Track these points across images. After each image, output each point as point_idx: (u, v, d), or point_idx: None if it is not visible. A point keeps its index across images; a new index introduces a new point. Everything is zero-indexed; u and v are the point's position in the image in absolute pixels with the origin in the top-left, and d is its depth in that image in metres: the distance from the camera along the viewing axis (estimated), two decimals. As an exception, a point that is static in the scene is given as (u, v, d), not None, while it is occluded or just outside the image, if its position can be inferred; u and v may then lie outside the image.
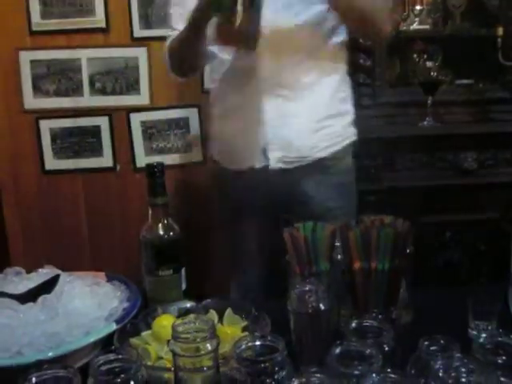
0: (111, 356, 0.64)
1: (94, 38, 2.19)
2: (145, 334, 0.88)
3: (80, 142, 2.25)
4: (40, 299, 0.92)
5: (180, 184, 2.27)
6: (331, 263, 0.86)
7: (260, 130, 1.35)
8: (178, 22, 1.38)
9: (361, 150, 1.85)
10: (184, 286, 1.04)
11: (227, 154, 1.45)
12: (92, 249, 2.32)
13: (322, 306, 0.79)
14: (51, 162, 2.26)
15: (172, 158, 2.29)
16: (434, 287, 1.44)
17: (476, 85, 2.15)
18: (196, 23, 1.24)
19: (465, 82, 2.14)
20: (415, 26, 2.14)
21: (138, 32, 2.18)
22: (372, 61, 1.93)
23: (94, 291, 0.99)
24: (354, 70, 1.94)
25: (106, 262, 2.24)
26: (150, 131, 2.28)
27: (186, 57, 1.40)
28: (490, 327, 0.97)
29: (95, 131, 2.25)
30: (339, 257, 0.86)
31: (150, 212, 1.02)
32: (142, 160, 2.27)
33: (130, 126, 2.25)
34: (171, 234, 1.02)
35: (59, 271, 1.04)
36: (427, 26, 2.15)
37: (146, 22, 2.18)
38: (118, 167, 2.29)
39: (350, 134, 1.44)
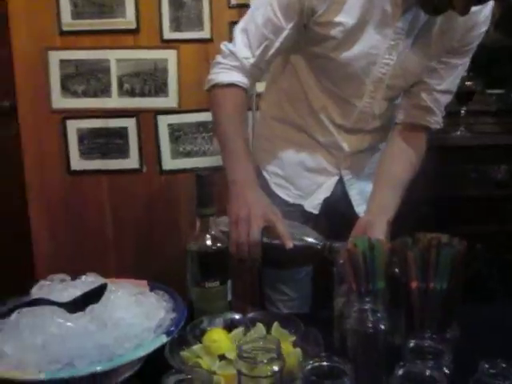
0: (181, 376, 0.62)
1: (123, 39, 2.18)
2: (196, 347, 0.87)
3: (107, 143, 2.24)
4: (88, 309, 0.92)
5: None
6: (387, 282, 0.85)
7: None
8: (242, 49, 1.20)
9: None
10: (229, 297, 1.03)
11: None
12: (118, 253, 2.31)
13: (382, 326, 0.78)
14: (77, 163, 2.25)
15: (199, 162, 2.28)
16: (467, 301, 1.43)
17: (506, 95, 2.13)
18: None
19: (496, 91, 2.12)
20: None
21: (168, 34, 2.17)
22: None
23: (139, 301, 0.98)
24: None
25: (131, 268, 2.23)
26: (177, 134, 2.27)
27: None
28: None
29: (122, 132, 2.24)
30: (396, 275, 0.85)
31: (198, 223, 1.01)
32: (169, 163, 2.27)
33: (157, 128, 2.24)
34: (219, 245, 1.00)
35: (103, 279, 1.03)
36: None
37: (177, 25, 2.17)
38: (145, 169, 2.28)
39: None
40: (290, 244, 1.01)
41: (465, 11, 1.00)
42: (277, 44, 1.19)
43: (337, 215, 1.39)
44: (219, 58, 1.24)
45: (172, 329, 0.90)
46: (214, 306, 1.00)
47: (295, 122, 1.36)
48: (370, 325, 0.77)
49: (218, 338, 0.87)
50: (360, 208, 1.35)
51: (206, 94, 2.24)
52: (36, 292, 0.98)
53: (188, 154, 2.29)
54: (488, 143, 1.89)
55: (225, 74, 1.22)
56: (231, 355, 0.85)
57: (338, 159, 1.38)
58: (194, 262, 1.00)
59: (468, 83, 1.86)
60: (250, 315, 0.98)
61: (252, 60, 1.20)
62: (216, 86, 1.22)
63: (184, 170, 2.28)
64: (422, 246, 0.84)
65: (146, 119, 2.24)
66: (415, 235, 0.90)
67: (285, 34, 1.18)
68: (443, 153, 1.88)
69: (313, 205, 1.40)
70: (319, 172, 1.39)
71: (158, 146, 2.26)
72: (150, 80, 2.21)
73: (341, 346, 0.86)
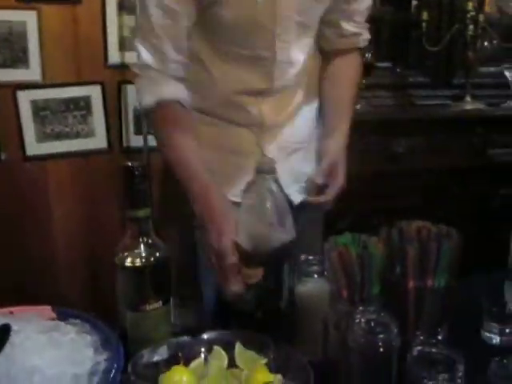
0: None
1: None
2: (153, 397, 0.66)
3: (-49, 125, 1.82)
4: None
5: (83, 176, 1.95)
6: (383, 285, 0.71)
7: None
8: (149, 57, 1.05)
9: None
10: (173, 319, 0.82)
11: None
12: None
13: (394, 343, 0.64)
14: None
15: (70, 144, 1.95)
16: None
17: (393, 68, 2.14)
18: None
19: (384, 65, 2.11)
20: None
21: (25, -8, 1.80)
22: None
23: (54, 340, 0.73)
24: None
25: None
26: (43, 113, 1.91)
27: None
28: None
29: (-29, 112, 1.83)
30: (392, 276, 0.72)
31: (129, 229, 0.78)
32: (34, 147, 1.91)
33: (17, 107, 1.86)
34: (157, 254, 0.78)
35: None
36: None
37: (35, -20, 1.80)
38: (4, 156, 1.88)
39: None
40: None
41: None
42: (182, 28, 1.04)
43: None
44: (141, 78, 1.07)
45: (112, 376, 0.67)
46: (157, 333, 0.78)
47: (205, 108, 1.19)
48: (381, 343, 0.63)
49: (184, 379, 0.66)
50: (290, 189, 1.21)
51: (75, 65, 1.96)
52: None
53: (57, 137, 1.94)
54: (388, 117, 1.88)
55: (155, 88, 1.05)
56: (201, 400, 0.66)
57: (259, 135, 1.21)
58: (127, 281, 0.77)
59: (367, 55, 1.81)
60: (204, 337, 0.78)
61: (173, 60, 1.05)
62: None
63: (54, 156, 1.93)
64: (421, 239, 0.72)
65: (3, 96, 1.85)
66: (397, 225, 0.77)
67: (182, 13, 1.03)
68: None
69: (235, 192, 1.21)
70: (238, 153, 1.21)
71: (19, 128, 1.88)
72: (5, 48, 1.81)
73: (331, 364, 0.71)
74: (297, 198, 1.19)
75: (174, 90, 1.06)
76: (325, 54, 1.26)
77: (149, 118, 1.13)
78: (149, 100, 1.04)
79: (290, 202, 1.02)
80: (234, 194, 1.21)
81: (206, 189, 0.98)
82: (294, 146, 1.25)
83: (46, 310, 0.83)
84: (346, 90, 1.25)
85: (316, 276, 0.85)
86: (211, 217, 0.92)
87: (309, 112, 1.26)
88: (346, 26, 1.20)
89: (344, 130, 1.20)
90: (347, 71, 1.25)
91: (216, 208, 0.93)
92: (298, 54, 1.17)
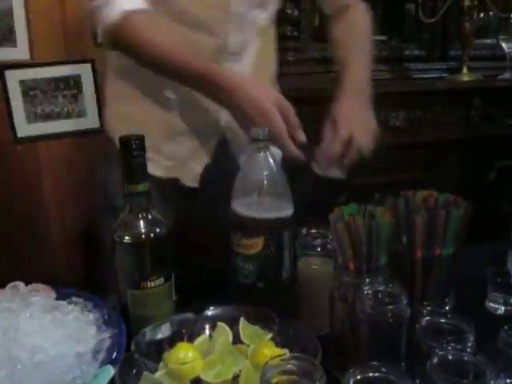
0: None
1: None
2: (159, 374, 0.64)
3: None
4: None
5: (76, 157, 1.91)
6: (390, 255, 0.70)
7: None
8: None
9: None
10: (174, 296, 0.80)
11: None
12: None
13: (404, 313, 0.63)
14: None
15: (62, 125, 1.91)
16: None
17: (389, 41, 2.10)
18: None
19: (379, 38, 2.08)
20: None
21: (9, -35, 1.74)
22: (298, 11, 1.75)
23: (57, 319, 0.71)
24: (280, 22, 1.77)
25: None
26: (32, 93, 1.86)
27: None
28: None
29: (-42, 93, 1.77)
30: (399, 246, 0.70)
31: (127, 205, 0.75)
32: (24, 129, 1.87)
33: (5, 87, 1.81)
34: (157, 230, 0.76)
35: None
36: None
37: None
38: (-7, 138, 1.85)
39: None
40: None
41: None
42: None
43: (225, 189, 1.17)
44: None
45: (115, 354, 0.66)
46: (159, 310, 0.76)
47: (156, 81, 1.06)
48: (391, 314, 0.62)
49: (190, 356, 0.64)
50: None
51: (64, 43, 1.90)
52: None
53: (48, 117, 1.90)
54: (383, 91, 1.84)
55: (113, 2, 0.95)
56: (208, 376, 0.64)
57: (217, 113, 1.08)
58: (127, 258, 0.75)
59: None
60: (207, 313, 0.77)
61: None
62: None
63: (45, 137, 1.89)
64: (428, 207, 0.70)
65: (-10, 75, 1.80)
66: (403, 195, 0.75)
67: None
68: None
69: (190, 177, 1.13)
70: (194, 133, 1.10)
71: (8, 109, 1.83)
72: (-10, 25, 1.76)
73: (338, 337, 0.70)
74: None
75: (135, 2, 0.96)
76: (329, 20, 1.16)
77: (116, 41, 0.99)
78: (112, 16, 0.94)
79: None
80: (189, 179, 1.14)
81: (208, 65, 0.94)
82: None
83: (45, 288, 0.81)
84: (363, 40, 1.14)
85: (319, 250, 0.84)
86: (234, 84, 0.90)
87: None
88: None
89: (360, 68, 1.08)
90: (356, 28, 1.14)
91: (231, 75, 0.92)
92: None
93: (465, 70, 2.03)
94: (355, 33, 1.14)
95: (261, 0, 1.08)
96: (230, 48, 1.06)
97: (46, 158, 1.92)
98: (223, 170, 1.04)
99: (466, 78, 2.02)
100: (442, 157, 1.95)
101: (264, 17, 1.10)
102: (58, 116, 1.91)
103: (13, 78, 1.82)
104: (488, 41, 2.20)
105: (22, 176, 1.89)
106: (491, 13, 2.20)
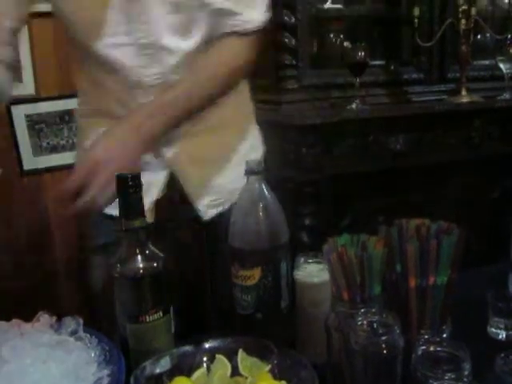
0: None
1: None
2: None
3: None
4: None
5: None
6: (383, 285, 0.70)
7: None
8: None
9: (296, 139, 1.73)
10: (173, 329, 0.81)
11: None
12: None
13: (397, 344, 0.63)
14: None
15: (67, 157, 1.94)
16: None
17: (387, 66, 2.13)
18: None
19: (377, 63, 2.10)
20: (329, 5, 2.04)
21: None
22: (296, 40, 1.78)
23: (58, 357, 0.72)
24: (278, 50, 1.81)
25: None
26: (38, 126, 1.90)
27: None
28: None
29: (-34, 130, 1.82)
30: (392, 276, 0.71)
31: (125, 240, 0.77)
32: (30, 161, 1.90)
33: (12, 122, 1.85)
34: (155, 265, 0.77)
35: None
36: (340, 6, 2.07)
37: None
38: (1, 171, 1.87)
39: None
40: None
41: None
42: None
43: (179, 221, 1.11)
44: None
45: (114, 388, 0.67)
46: (158, 344, 0.77)
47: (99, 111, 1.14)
48: (385, 344, 0.62)
49: (186, 391, 0.65)
50: (200, 201, 1.11)
51: (68, 77, 1.94)
52: None
53: (54, 150, 1.94)
54: (383, 115, 1.87)
55: None
56: (206, 411, 0.65)
57: (161, 146, 1.08)
58: (126, 292, 0.76)
59: (362, 54, 1.80)
60: (205, 346, 0.77)
61: None
62: None
63: (51, 169, 1.92)
64: (420, 236, 0.71)
65: (-3, 111, 1.84)
66: (394, 223, 0.76)
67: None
68: (342, 127, 1.81)
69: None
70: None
71: (15, 143, 1.87)
72: (-3, 62, 1.80)
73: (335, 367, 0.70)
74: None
75: None
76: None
77: None
78: None
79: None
80: None
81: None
82: (210, 157, 1.14)
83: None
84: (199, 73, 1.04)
85: (317, 278, 0.85)
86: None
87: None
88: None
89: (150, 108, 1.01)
90: (209, 57, 1.04)
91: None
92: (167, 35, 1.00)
93: (463, 92, 2.05)
94: (205, 61, 1.05)
95: (183, 27, 1.01)
96: (146, 82, 1.04)
97: (52, 190, 1.95)
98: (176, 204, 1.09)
99: (465, 100, 2.03)
100: (443, 179, 1.95)
101: (187, 46, 1.02)
102: (63, 148, 1.94)
103: (19, 112, 1.86)
104: (486, 62, 2.21)
105: (29, 208, 1.92)
106: (488, 34, 2.22)
